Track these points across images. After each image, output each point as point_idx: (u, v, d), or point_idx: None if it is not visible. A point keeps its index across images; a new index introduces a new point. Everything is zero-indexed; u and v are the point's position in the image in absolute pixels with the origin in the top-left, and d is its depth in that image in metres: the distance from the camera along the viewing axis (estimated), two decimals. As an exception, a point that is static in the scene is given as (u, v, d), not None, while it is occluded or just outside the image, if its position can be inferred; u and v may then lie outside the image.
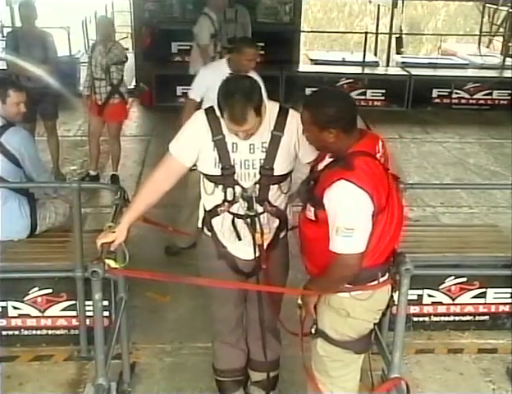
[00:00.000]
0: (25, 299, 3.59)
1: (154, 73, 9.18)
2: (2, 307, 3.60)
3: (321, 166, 2.49)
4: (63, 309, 3.62)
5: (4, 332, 3.65)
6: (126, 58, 6.01)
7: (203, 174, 2.67)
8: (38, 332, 3.67)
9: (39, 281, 3.57)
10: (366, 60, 10.50)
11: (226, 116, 2.44)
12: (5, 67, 6.44)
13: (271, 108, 2.60)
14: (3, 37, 9.47)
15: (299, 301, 2.66)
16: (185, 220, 4.43)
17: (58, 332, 3.67)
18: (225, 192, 2.61)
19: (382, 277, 2.50)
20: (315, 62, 10.99)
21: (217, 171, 2.59)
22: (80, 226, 3.26)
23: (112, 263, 2.61)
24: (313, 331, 2.61)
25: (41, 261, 3.55)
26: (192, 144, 2.62)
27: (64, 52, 9.09)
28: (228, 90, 2.44)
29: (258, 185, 2.61)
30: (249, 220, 2.63)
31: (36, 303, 3.61)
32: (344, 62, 10.46)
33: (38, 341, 3.65)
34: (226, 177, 2.59)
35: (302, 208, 2.52)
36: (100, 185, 3.63)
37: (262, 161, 2.58)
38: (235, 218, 2.65)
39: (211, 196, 2.67)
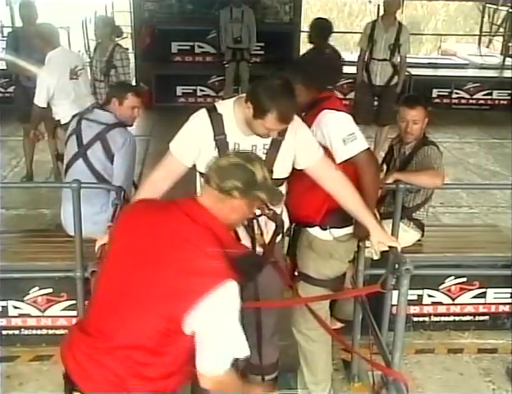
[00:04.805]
0: (26, 298, 3.60)
1: (154, 73, 9.19)
2: (3, 306, 3.60)
3: None
4: (63, 309, 3.62)
5: (4, 332, 3.65)
6: (128, 63, 5.87)
7: (202, 174, 2.65)
8: (39, 332, 3.68)
9: (40, 281, 3.57)
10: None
11: (274, 116, 2.39)
12: (4, 67, 6.47)
13: None
14: (3, 37, 9.47)
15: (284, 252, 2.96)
16: None
17: (58, 332, 3.67)
18: None
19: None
20: (315, 62, 10.97)
21: None
22: (79, 226, 3.25)
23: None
24: (296, 274, 2.88)
25: (41, 261, 3.55)
26: (193, 143, 2.59)
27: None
28: (277, 89, 2.40)
29: None
30: (246, 222, 2.60)
31: (36, 302, 3.61)
32: (344, 62, 10.43)
33: (39, 340, 3.65)
34: None
35: None
36: (100, 185, 3.61)
37: None
38: None
39: None
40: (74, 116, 3.92)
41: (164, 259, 1.89)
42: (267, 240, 2.68)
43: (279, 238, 2.77)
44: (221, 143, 2.54)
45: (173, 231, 1.93)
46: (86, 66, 5.17)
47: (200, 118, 2.59)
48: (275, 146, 2.57)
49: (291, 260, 3.01)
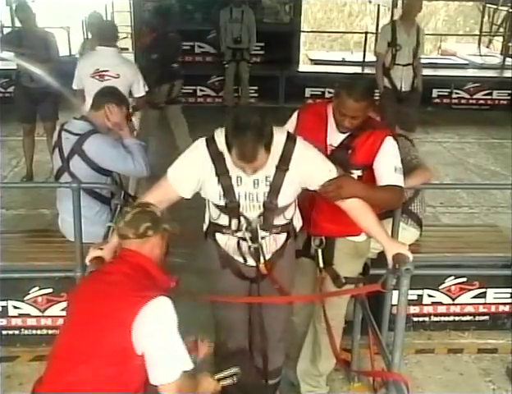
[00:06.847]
0: (26, 298, 3.60)
1: (154, 73, 9.17)
2: (3, 306, 3.61)
3: (337, 140, 2.81)
4: (63, 309, 3.61)
5: (4, 332, 3.65)
6: None
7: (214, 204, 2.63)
8: (39, 332, 3.68)
9: (40, 281, 3.57)
10: (366, 60, 10.47)
11: (234, 153, 2.33)
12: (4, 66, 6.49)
13: (277, 139, 2.44)
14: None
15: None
16: None
17: (58, 332, 3.66)
18: (229, 221, 2.59)
19: None
20: (315, 62, 11.01)
21: (222, 203, 2.55)
22: (79, 226, 3.26)
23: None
24: (343, 280, 2.97)
25: (41, 261, 3.55)
26: (192, 175, 2.54)
27: (64, 52, 9.09)
28: (239, 125, 2.30)
29: (262, 217, 2.58)
30: (253, 250, 2.62)
31: (36, 302, 3.61)
32: (344, 62, 10.45)
33: (39, 340, 3.65)
34: (230, 209, 2.55)
35: None
36: (100, 185, 3.61)
37: (266, 194, 2.53)
38: (241, 241, 2.63)
39: (216, 220, 2.65)
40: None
41: (106, 297, 2.17)
42: (275, 249, 2.71)
43: (290, 240, 2.77)
44: (224, 179, 2.50)
45: (113, 274, 2.26)
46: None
47: (201, 153, 2.52)
48: (279, 177, 2.51)
49: (329, 271, 2.99)
